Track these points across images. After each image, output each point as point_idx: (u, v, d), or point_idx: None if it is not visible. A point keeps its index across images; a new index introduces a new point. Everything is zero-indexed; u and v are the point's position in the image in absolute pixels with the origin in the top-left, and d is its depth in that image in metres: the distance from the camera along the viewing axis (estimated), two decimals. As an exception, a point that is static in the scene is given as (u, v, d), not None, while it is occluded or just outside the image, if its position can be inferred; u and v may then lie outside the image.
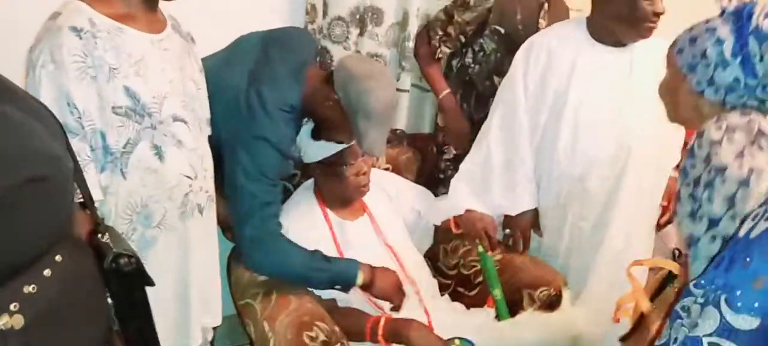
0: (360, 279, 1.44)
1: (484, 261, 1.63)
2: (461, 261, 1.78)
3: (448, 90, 1.97)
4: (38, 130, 0.67)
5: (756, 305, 0.62)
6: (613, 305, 1.19)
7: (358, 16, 1.96)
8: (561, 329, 1.47)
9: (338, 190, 1.60)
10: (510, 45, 1.86)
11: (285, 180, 1.80)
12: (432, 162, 2.06)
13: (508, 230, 1.77)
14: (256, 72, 1.40)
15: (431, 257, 1.83)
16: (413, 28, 2.02)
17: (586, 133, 1.61)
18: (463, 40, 1.93)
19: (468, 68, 1.95)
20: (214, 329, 1.40)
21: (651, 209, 1.71)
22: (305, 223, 1.59)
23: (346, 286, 1.46)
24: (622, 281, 1.20)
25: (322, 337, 1.30)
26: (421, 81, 2.14)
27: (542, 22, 1.91)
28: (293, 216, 1.62)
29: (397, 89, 2.09)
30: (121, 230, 1.11)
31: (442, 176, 2.02)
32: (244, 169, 1.35)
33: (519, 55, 1.69)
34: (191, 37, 1.29)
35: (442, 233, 1.81)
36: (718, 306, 0.64)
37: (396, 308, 1.49)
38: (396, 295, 1.49)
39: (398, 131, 2.06)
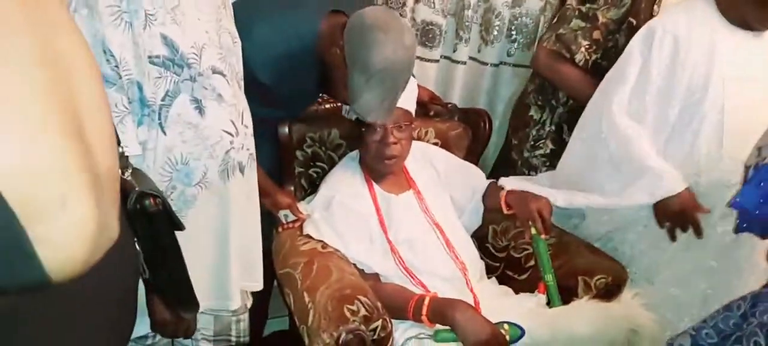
0: None
1: (536, 244, 1.53)
2: (511, 243, 1.69)
3: None
4: None
5: None
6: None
7: (413, -19, 1.88)
8: (618, 321, 1.36)
9: (365, 155, 1.55)
10: None
11: (330, 150, 1.76)
12: (483, 139, 1.96)
13: (668, 223, 1.52)
14: None
15: (479, 238, 1.74)
16: (473, -4, 1.93)
17: (736, 132, 1.40)
18: (609, 39, 1.72)
19: (597, 66, 1.75)
20: (253, 294, 1.36)
21: None
22: (350, 193, 1.55)
23: None
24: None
25: (363, 311, 1.24)
26: (478, 53, 2.05)
27: (656, 9, 1.74)
28: (338, 185, 1.58)
29: (453, 61, 2.02)
30: (160, 188, 1.08)
31: (532, 173, 1.91)
32: None
33: (635, 43, 1.49)
34: None
35: (491, 213, 1.72)
36: None
37: None
38: None
39: (450, 105, 1.97)
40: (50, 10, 0.50)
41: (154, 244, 0.79)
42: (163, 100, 1.04)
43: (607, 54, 1.73)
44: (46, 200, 0.44)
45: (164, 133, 1.05)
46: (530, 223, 1.55)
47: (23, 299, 0.51)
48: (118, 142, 0.84)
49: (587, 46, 1.70)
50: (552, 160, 1.85)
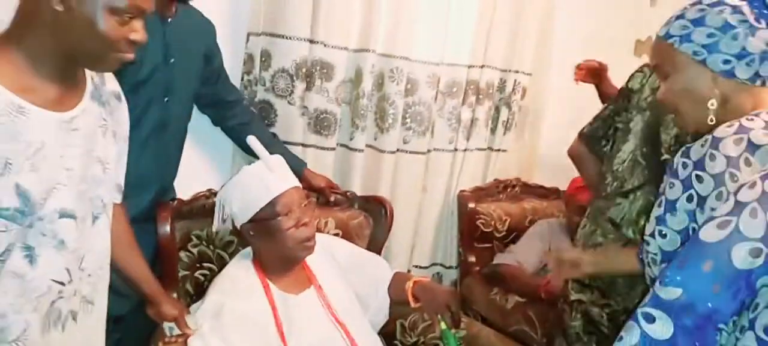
0: None
1: (447, 340, 1.45)
2: (421, 339, 1.60)
3: None
4: None
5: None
6: None
7: (304, 70, 1.82)
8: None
9: (278, 250, 1.40)
10: None
11: (219, 248, 1.59)
12: (385, 228, 1.90)
13: None
14: None
15: (387, 335, 1.64)
16: (367, 85, 1.90)
17: None
18: None
19: None
20: None
21: None
22: (244, 297, 1.38)
23: None
24: None
25: None
26: (375, 141, 2.02)
27: None
28: (229, 288, 1.41)
29: (350, 149, 1.97)
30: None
31: None
32: None
33: None
34: (118, 94, 1.07)
35: (398, 306, 1.62)
36: None
37: None
38: None
39: (349, 193, 1.89)
40: None
41: None
42: (1, 255, 0.87)
43: None
44: None
45: None
46: (439, 316, 1.47)
47: None
48: None
49: None
50: None
